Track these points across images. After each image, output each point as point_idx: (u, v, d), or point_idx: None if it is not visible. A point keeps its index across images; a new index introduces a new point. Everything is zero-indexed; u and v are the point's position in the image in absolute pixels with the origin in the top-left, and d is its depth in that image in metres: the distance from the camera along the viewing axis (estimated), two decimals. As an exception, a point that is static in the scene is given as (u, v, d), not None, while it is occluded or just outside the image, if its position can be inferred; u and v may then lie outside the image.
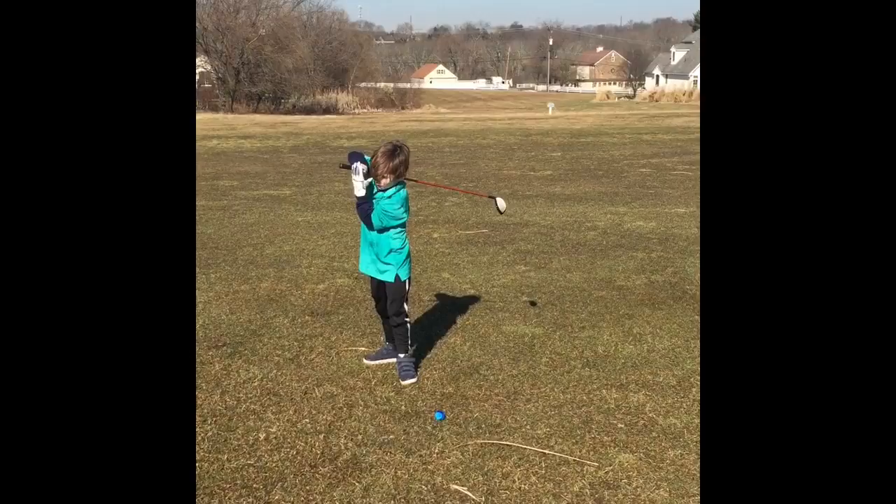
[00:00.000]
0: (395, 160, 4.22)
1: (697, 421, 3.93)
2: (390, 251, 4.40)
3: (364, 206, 4.31)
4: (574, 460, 3.54)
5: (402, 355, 4.52)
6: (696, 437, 3.76)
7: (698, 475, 3.40)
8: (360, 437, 3.76)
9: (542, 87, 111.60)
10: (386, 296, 4.52)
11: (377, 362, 4.68)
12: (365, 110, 55.55)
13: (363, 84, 63.69)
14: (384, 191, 4.28)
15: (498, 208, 4.87)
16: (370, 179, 4.26)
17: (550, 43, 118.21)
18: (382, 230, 4.34)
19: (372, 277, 4.57)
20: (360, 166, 4.20)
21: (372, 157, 4.26)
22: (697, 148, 19.93)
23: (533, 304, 5.95)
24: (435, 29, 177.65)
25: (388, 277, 4.44)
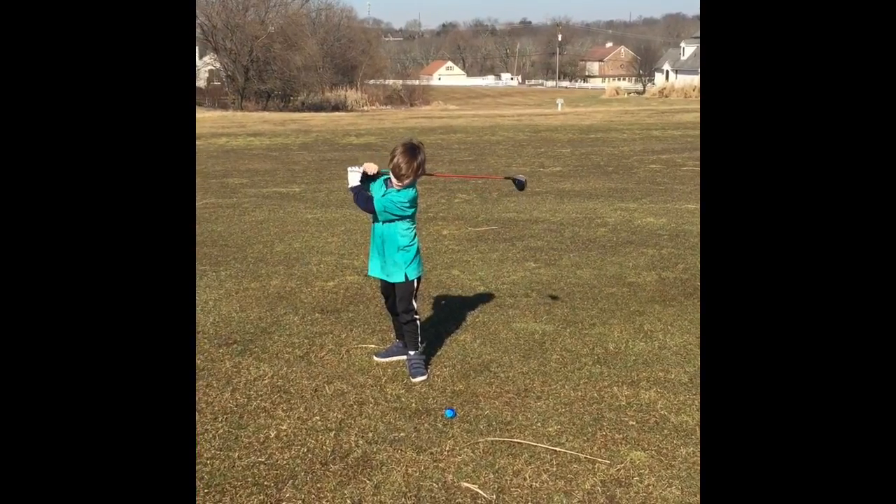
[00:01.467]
0: (417, 160, 4.24)
1: (709, 418, 3.91)
2: (399, 248, 4.39)
3: (362, 195, 4.34)
4: (585, 458, 3.53)
5: (412, 352, 4.51)
6: (709, 434, 3.74)
7: (711, 473, 3.38)
8: (370, 434, 3.76)
9: (551, 84, 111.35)
10: (395, 293, 4.52)
11: (387, 359, 4.68)
12: (374, 107, 55.57)
13: (372, 81, 63.75)
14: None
15: (520, 182, 4.73)
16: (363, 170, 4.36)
17: (559, 39, 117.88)
18: (388, 221, 4.34)
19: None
20: (364, 166, 4.37)
21: (391, 157, 4.26)
22: (708, 143, 19.79)
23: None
24: (443, 25, 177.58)
25: (398, 278, 4.44)
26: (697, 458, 3.52)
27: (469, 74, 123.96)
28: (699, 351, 4.84)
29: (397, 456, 3.55)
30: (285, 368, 4.59)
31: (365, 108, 54.61)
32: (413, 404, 4.10)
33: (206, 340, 5.04)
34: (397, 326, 4.71)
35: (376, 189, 4.37)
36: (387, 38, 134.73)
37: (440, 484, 3.32)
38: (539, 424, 3.86)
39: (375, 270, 4.54)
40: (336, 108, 52.45)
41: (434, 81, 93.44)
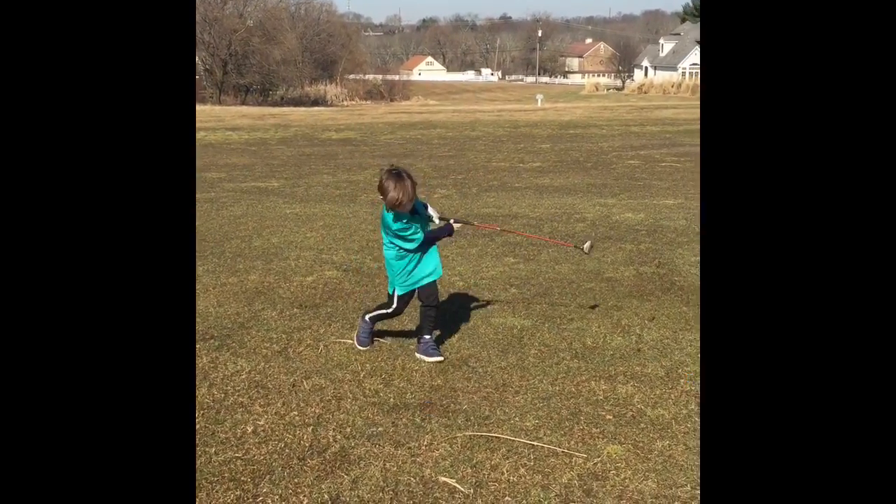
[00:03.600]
0: (411, 185, 4.33)
1: (685, 412, 3.94)
2: (423, 248, 4.62)
3: (434, 232, 4.74)
4: (562, 452, 3.55)
5: (427, 336, 4.69)
6: (685, 428, 3.77)
7: (686, 466, 3.41)
8: (348, 429, 3.76)
9: (531, 79, 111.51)
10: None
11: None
12: (353, 102, 55.43)
13: (352, 76, 63.56)
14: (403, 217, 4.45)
15: (584, 249, 5.43)
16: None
17: (539, 34, 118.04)
18: (404, 238, 4.52)
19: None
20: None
21: (383, 189, 4.33)
22: (686, 139, 19.96)
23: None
24: (424, 20, 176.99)
25: (440, 272, 4.75)
26: (673, 452, 3.55)
27: (449, 70, 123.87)
28: (675, 345, 4.88)
29: (375, 451, 3.55)
30: (263, 363, 4.58)
31: (345, 102, 54.43)
32: (391, 399, 4.10)
33: (182, 336, 5.01)
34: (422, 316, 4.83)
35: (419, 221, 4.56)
36: (367, 33, 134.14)
37: (418, 478, 3.32)
38: (517, 419, 3.87)
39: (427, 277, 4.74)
40: (315, 102, 52.22)
41: (414, 76, 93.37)
